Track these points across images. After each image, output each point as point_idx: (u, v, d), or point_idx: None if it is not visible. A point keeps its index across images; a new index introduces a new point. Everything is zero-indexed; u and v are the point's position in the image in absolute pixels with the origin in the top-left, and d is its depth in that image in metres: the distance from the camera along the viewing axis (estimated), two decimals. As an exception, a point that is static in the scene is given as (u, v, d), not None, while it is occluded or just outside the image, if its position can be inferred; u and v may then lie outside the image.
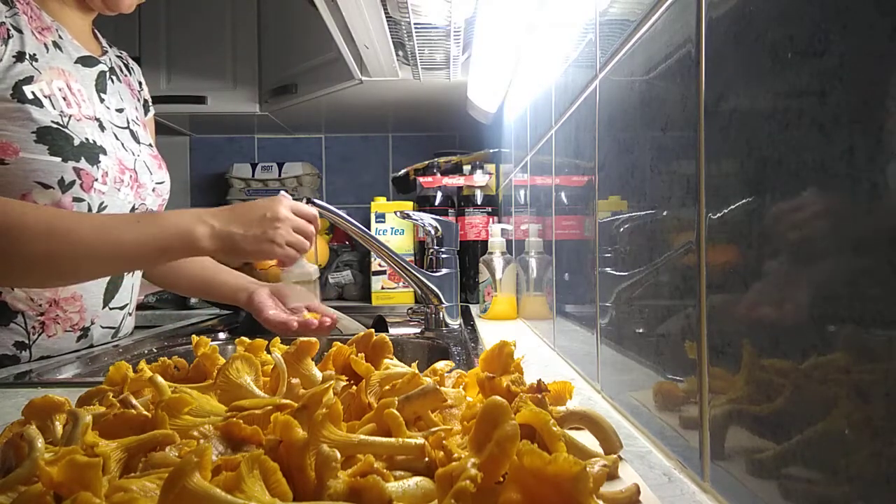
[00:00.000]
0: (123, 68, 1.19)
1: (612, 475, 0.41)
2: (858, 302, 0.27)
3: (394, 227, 1.93)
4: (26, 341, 0.99)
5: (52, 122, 0.93)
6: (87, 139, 0.97)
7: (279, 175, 2.32)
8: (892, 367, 0.25)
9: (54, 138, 0.92)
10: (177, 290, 1.32)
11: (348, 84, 1.76)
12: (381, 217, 1.93)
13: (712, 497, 0.41)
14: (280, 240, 0.93)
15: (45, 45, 0.97)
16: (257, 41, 2.12)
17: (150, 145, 1.18)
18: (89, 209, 0.97)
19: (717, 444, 0.41)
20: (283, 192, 1.02)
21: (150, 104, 1.28)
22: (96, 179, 0.97)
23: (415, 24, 1.24)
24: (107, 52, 1.15)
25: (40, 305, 0.99)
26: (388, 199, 2.03)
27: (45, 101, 0.93)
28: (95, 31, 1.14)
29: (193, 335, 0.63)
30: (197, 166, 2.52)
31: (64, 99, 0.96)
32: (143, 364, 0.55)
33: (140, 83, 1.25)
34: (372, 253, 1.72)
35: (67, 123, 0.95)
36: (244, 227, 0.91)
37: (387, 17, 1.24)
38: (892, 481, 0.25)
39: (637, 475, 0.42)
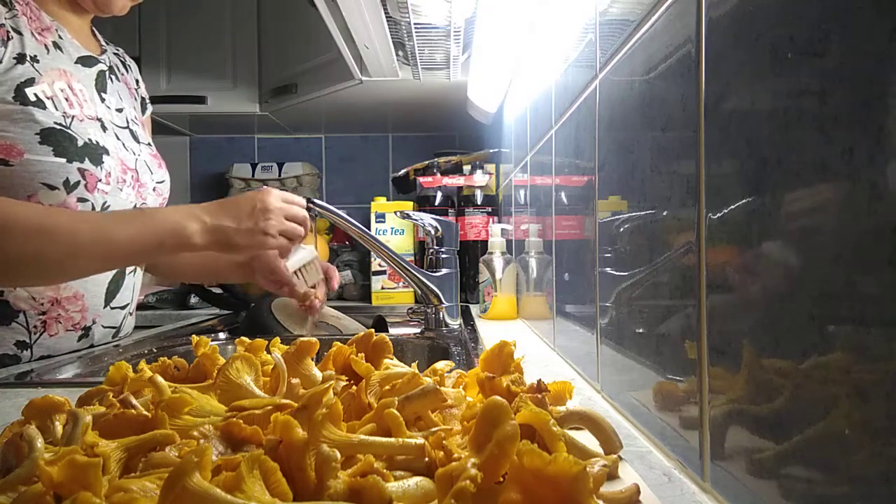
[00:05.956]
0: (121, 66, 1.19)
1: (612, 475, 0.41)
2: (858, 302, 0.27)
3: (394, 227, 1.93)
4: (27, 340, 0.99)
5: (56, 123, 0.93)
6: (90, 140, 0.97)
7: (279, 175, 2.32)
8: (892, 367, 0.25)
9: (58, 139, 0.93)
10: (182, 278, 1.33)
11: (348, 84, 1.76)
12: (381, 217, 1.93)
13: (712, 497, 0.41)
14: (272, 230, 0.94)
15: (46, 45, 0.97)
16: (257, 41, 2.12)
17: (150, 144, 1.18)
18: (93, 209, 0.97)
19: (717, 444, 0.41)
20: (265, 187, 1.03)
21: (148, 102, 1.27)
22: (100, 180, 0.97)
23: (415, 24, 1.24)
24: (105, 50, 1.15)
25: (42, 304, 0.98)
26: (388, 199, 2.02)
27: (48, 103, 0.93)
28: (94, 29, 1.15)
29: (193, 335, 0.63)
30: (197, 166, 2.52)
31: (66, 100, 0.96)
32: (143, 364, 0.55)
33: (137, 81, 1.24)
34: (372, 253, 1.72)
35: (70, 124, 0.95)
36: (236, 221, 0.91)
37: (387, 17, 1.24)
38: (892, 481, 0.25)
39: (637, 475, 0.42)
